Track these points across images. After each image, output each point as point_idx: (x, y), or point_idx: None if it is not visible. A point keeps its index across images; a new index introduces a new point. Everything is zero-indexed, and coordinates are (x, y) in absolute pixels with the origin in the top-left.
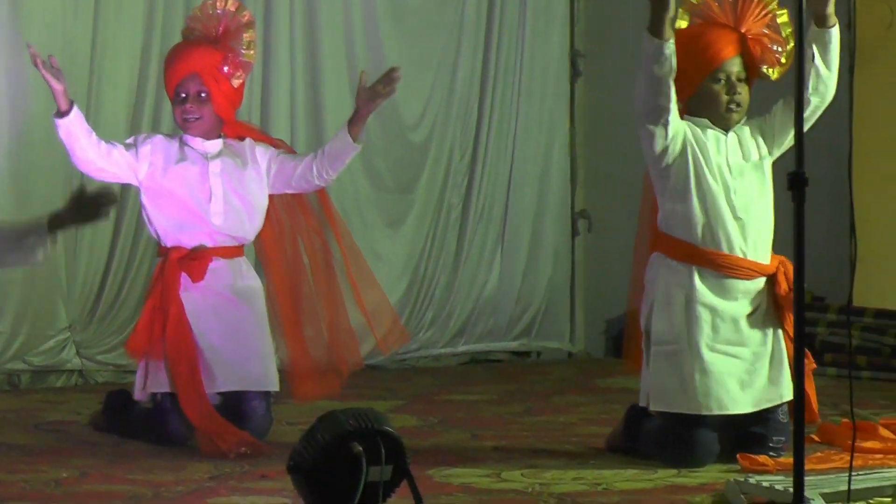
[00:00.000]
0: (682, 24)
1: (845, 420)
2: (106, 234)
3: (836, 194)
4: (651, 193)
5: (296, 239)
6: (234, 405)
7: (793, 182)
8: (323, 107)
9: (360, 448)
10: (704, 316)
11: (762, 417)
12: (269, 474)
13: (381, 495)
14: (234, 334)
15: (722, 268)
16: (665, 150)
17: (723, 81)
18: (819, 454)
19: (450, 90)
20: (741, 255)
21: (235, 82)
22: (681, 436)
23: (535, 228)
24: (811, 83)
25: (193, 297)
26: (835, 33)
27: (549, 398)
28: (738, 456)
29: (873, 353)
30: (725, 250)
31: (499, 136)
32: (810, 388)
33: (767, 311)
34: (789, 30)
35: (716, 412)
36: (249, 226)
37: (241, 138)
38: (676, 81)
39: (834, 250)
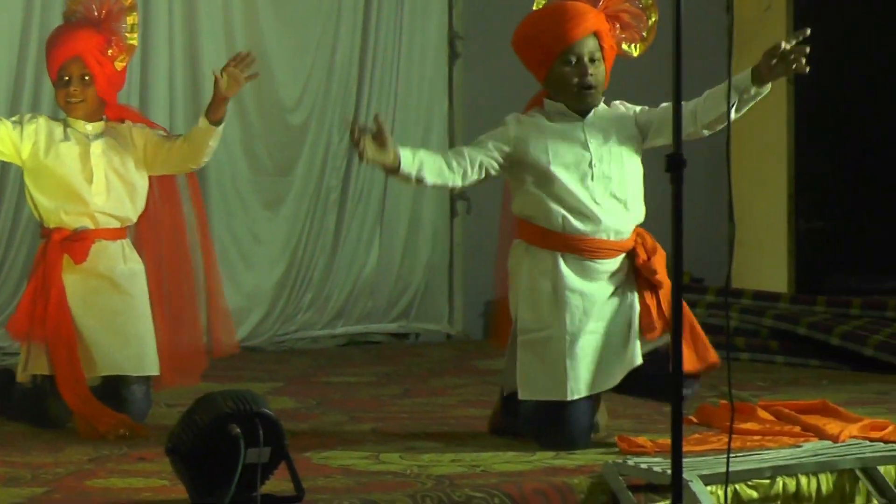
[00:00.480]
0: (540, 3)
1: (724, 402)
2: None
3: (715, 177)
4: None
5: (177, 220)
6: (114, 389)
7: (671, 164)
8: (202, 90)
9: (238, 430)
10: (574, 301)
11: (634, 379)
12: (147, 456)
13: (260, 477)
14: (115, 317)
15: (584, 251)
16: (501, 171)
17: (573, 63)
18: (697, 436)
19: (328, 72)
20: (603, 238)
21: (118, 65)
22: (552, 419)
23: (413, 210)
24: (686, 122)
25: (75, 279)
26: (758, 94)
27: (427, 380)
28: (616, 438)
29: (752, 335)
30: (588, 234)
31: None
32: (699, 330)
33: (629, 282)
34: (649, 1)
35: (585, 394)
36: (131, 207)
37: (122, 120)
38: (531, 63)
39: (712, 232)
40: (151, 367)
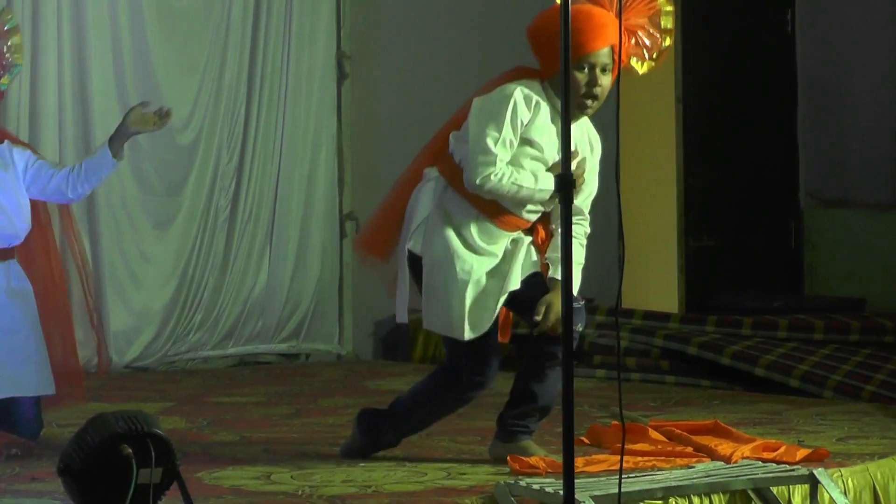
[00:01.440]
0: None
1: (615, 422)
2: None
3: (603, 198)
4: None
5: (48, 242)
6: (4, 409)
7: (560, 184)
8: (91, 109)
9: (130, 450)
10: (466, 255)
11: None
12: (39, 476)
13: (152, 498)
14: (6, 337)
15: (497, 219)
16: None
17: (586, 70)
18: (589, 457)
19: (217, 92)
20: (517, 215)
21: (0, 84)
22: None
23: (302, 230)
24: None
25: None
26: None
27: (317, 400)
28: (507, 458)
29: (642, 355)
30: (510, 211)
31: (266, 138)
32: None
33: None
34: (670, 26)
35: (477, 334)
36: (19, 225)
37: (1, 140)
38: (544, 56)
39: (603, 252)
40: (47, 387)
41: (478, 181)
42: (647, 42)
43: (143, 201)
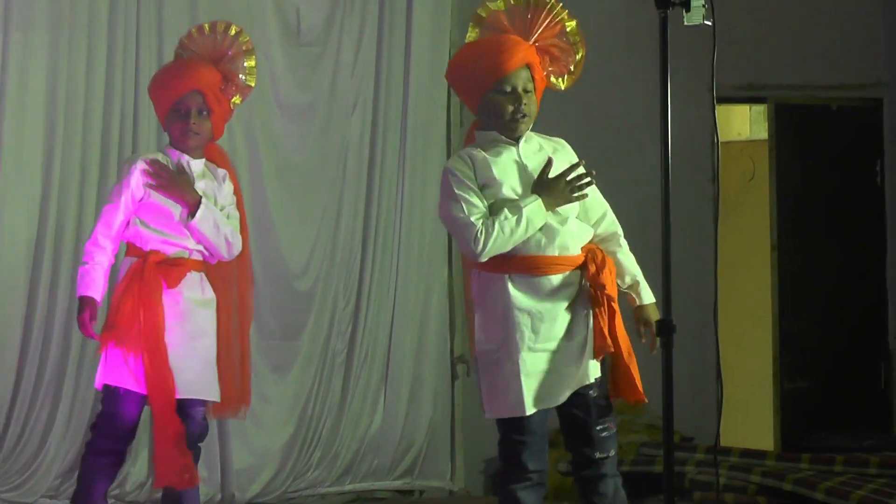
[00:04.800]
0: (472, 35)
1: None
2: (9, 379)
3: (702, 342)
4: None
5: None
6: (179, 408)
7: (661, 329)
8: None
9: None
10: (523, 320)
11: (580, 402)
12: None
13: None
14: (192, 342)
15: (531, 269)
16: None
17: (508, 92)
18: None
19: (333, 240)
20: (549, 254)
21: (232, 104)
22: (511, 439)
23: (415, 372)
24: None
25: (165, 301)
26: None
27: None
28: None
29: (740, 491)
30: (533, 252)
31: (380, 284)
32: (634, 369)
33: (581, 298)
34: (578, 38)
35: (531, 412)
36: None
37: (216, 163)
38: (465, 92)
39: (701, 394)
40: (215, 394)
41: (476, 250)
42: (563, 57)
43: (262, 346)
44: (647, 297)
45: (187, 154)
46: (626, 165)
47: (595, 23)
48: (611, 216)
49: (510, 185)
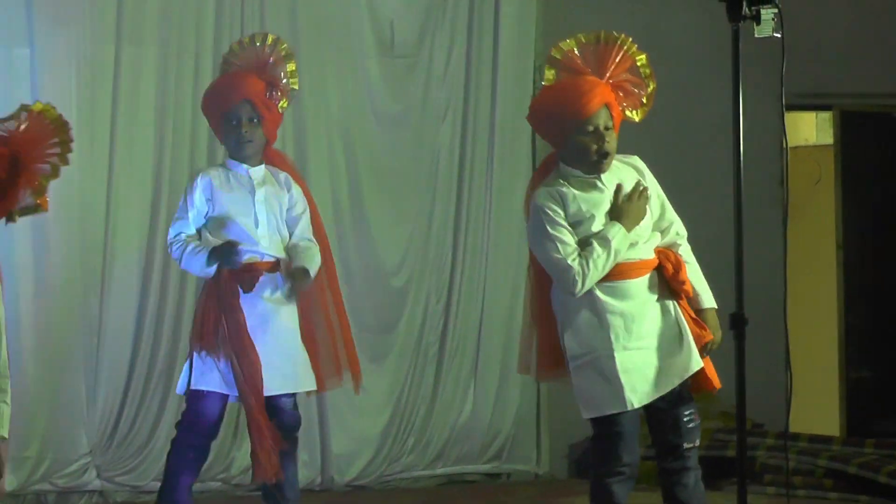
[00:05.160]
0: (549, 76)
1: None
2: (123, 367)
3: (772, 334)
4: None
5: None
6: (269, 405)
7: (734, 322)
8: None
9: None
10: (616, 322)
11: (668, 394)
12: None
13: None
14: (274, 340)
15: (615, 276)
16: None
17: (591, 132)
18: None
19: (426, 240)
20: (627, 260)
21: (280, 108)
22: (606, 433)
23: (503, 364)
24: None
25: (245, 306)
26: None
27: None
28: None
29: (808, 474)
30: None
31: (471, 281)
32: (708, 362)
33: (663, 298)
34: (648, 71)
35: (637, 405)
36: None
37: (274, 165)
38: (548, 134)
39: (771, 383)
40: (307, 383)
41: (575, 290)
42: (635, 90)
43: (359, 338)
44: (708, 301)
45: (245, 163)
46: (699, 170)
47: (668, 35)
48: (676, 227)
49: (599, 220)
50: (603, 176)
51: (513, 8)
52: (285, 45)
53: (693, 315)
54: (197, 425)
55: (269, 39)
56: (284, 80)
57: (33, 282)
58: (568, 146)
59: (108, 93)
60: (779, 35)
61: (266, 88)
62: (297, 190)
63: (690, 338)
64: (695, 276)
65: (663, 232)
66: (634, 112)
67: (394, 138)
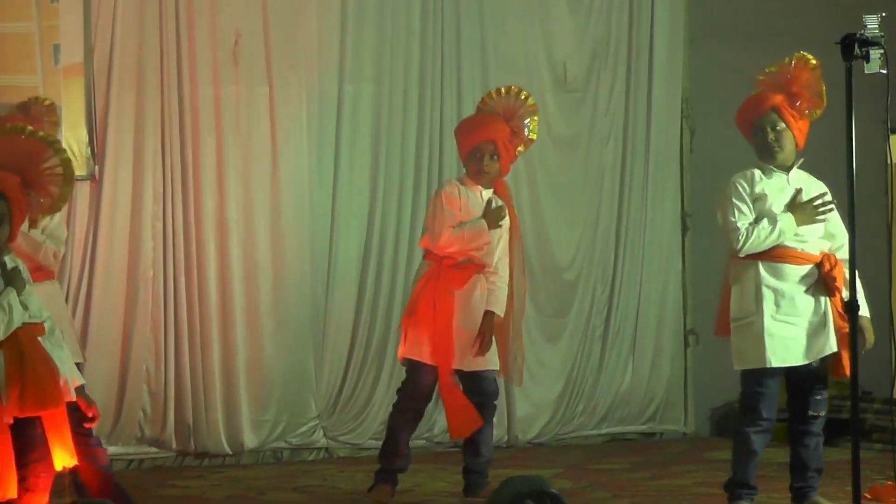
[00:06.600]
0: (756, 90)
1: (890, 483)
2: (344, 346)
3: (878, 316)
4: None
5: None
6: (472, 380)
7: (847, 308)
8: None
9: None
10: (768, 295)
11: (805, 369)
12: None
13: None
14: (475, 326)
15: (777, 258)
16: None
17: (766, 129)
18: None
19: (592, 242)
20: (792, 248)
21: (517, 152)
22: (751, 390)
23: (657, 342)
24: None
25: (457, 299)
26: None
27: (668, 467)
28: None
29: None
30: (780, 247)
31: (630, 275)
32: (844, 354)
33: (817, 289)
34: (818, 73)
35: (776, 365)
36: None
37: (497, 194)
38: (744, 133)
39: (877, 357)
40: (496, 363)
41: (736, 247)
42: (814, 96)
43: (539, 322)
44: (864, 310)
45: (480, 185)
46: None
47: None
48: (847, 246)
49: (774, 202)
50: (790, 174)
51: (664, 50)
52: (534, 101)
53: (841, 311)
54: (413, 390)
55: (522, 95)
56: (526, 132)
57: (271, 277)
58: (754, 142)
59: (332, 122)
60: (885, 71)
61: (510, 134)
62: (506, 222)
63: (832, 327)
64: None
65: (837, 249)
66: (813, 112)
67: (566, 158)
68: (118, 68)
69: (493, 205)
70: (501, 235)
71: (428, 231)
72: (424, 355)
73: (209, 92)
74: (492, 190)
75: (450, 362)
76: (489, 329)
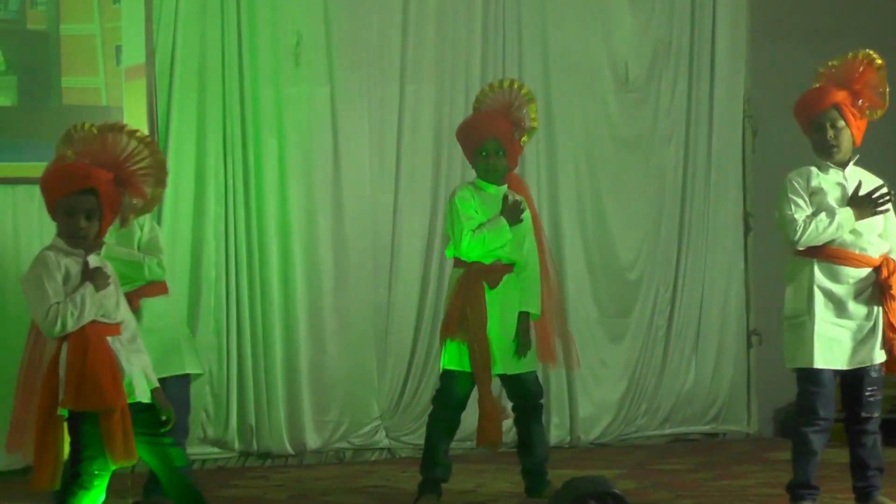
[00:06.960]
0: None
1: None
2: (406, 347)
3: None
4: None
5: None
6: (516, 381)
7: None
8: (563, 257)
9: None
10: (819, 296)
11: (858, 373)
12: None
13: None
14: (511, 329)
15: (833, 258)
16: None
17: (825, 126)
18: None
19: (655, 241)
20: (850, 251)
21: (521, 142)
22: (807, 389)
23: (720, 343)
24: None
25: (489, 302)
26: None
27: (731, 467)
28: None
29: None
30: (837, 246)
31: (693, 275)
32: None
33: (872, 295)
34: (882, 74)
35: (822, 366)
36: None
37: (512, 188)
38: (803, 129)
39: None
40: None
41: (793, 238)
42: (877, 96)
43: (601, 321)
44: None
45: (493, 184)
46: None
47: None
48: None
49: (832, 196)
50: (846, 170)
51: (726, 50)
52: (528, 90)
53: (893, 322)
54: (447, 399)
55: (515, 85)
56: (526, 122)
57: (334, 277)
58: (811, 138)
59: (394, 122)
60: None
61: (511, 127)
62: (526, 215)
63: (880, 336)
64: None
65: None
66: (875, 112)
67: (628, 158)
68: (180, 69)
69: (510, 199)
70: (527, 230)
71: (450, 239)
72: (461, 363)
73: (270, 93)
74: (506, 186)
75: (488, 370)
76: (526, 330)
